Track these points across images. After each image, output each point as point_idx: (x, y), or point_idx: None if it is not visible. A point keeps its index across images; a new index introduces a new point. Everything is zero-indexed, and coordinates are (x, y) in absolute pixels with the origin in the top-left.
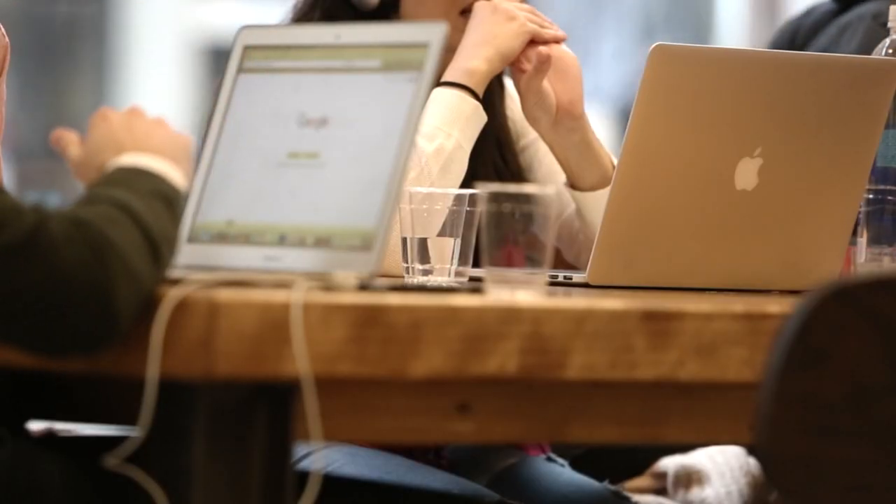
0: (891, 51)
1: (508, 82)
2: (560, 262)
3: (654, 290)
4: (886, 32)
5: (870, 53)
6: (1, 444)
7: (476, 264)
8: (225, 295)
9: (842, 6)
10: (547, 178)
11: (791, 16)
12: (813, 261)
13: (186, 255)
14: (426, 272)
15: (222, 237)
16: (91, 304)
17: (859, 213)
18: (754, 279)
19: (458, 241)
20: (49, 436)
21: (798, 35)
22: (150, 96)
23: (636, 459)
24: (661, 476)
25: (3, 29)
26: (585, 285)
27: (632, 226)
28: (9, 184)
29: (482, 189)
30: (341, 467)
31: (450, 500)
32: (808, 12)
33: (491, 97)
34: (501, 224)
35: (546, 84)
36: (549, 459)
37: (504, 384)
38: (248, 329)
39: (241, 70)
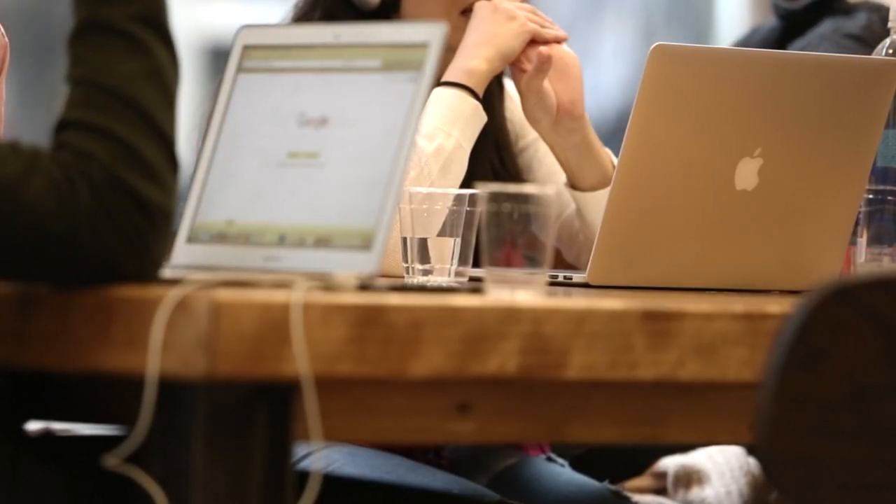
0: (891, 51)
1: (508, 83)
2: (560, 262)
3: (654, 290)
4: (854, 42)
5: None
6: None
7: (476, 264)
8: (225, 295)
9: (788, 25)
10: (547, 179)
11: (738, 37)
12: (813, 261)
13: (186, 255)
14: (426, 272)
15: (222, 237)
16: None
17: (859, 213)
18: (754, 279)
19: (458, 241)
20: (47, 436)
21: None
22: None
23: (636, 459)
24: (661, 476)
25: (2, 29)
26: (585, 285)
27: (632, 226)
28: None
29: (482, 189)
30: (341, 467)
31: (450, 500)
32: (754, 31)
33: (490, 98)
34: (501, 224)
35: (546, 84)
36: (549, 459)
37: (504, 384)
38: (248, 329)
39: (240, 70)
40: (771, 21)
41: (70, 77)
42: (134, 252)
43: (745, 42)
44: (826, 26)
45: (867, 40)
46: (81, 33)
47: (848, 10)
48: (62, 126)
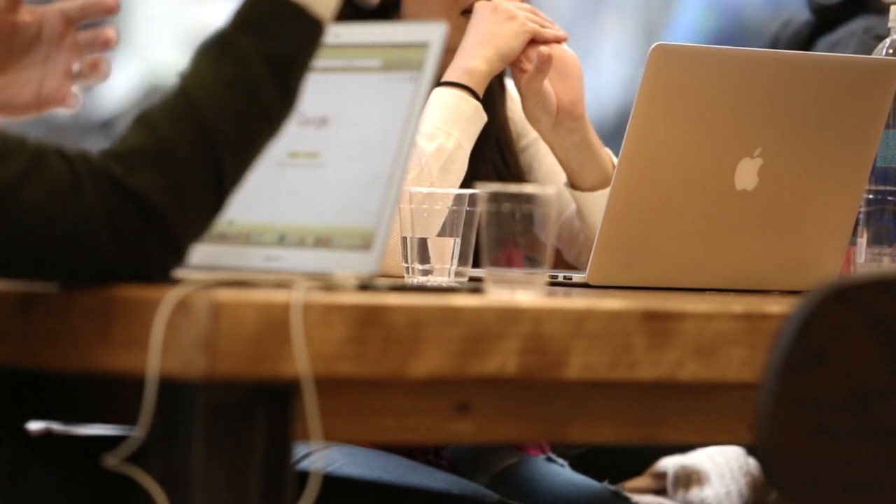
0: (891, 51)
1: (509, 83)
2: (560, 262)
3: (654, 290)
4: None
5: None
6: (0, 445)
7: (476, 264)
8: (225, 295)
9: (820, 19)
10: (547, 179)
11: (769, 28)
12: (813, 261)
13: None
14: (426, 272)
15: (222, 237)
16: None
17: (859, 213)
18: (754, 279)
19: (458, 241)
20: (47, 436)
21: (777, 46)
22: None
23: (636, 459)
24: (661, 476)
25: None
26: (585, 285)
27: (632, 226)
28: None
29: (482, 189)
30: (341, 467)
31: (450, 500)
32: (786, 23)
33: (491, 98)
34: (501, 224)
35: (546, 84)
36: (549, 459)
37: (504, 384)
38: (248, 329)
39: None
40: (804, 15)
41: (180, 75)
42: (129, 256)
43: (776, 35)
44: (858, 24)
45: None
46: (212, 44)
47: (883, 10)
48: (141, 113)
